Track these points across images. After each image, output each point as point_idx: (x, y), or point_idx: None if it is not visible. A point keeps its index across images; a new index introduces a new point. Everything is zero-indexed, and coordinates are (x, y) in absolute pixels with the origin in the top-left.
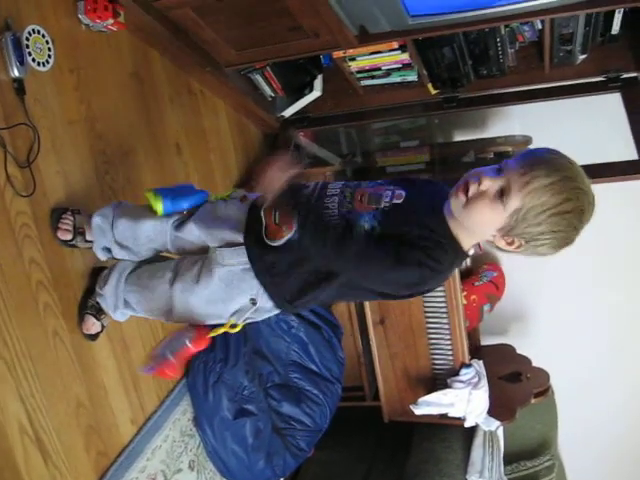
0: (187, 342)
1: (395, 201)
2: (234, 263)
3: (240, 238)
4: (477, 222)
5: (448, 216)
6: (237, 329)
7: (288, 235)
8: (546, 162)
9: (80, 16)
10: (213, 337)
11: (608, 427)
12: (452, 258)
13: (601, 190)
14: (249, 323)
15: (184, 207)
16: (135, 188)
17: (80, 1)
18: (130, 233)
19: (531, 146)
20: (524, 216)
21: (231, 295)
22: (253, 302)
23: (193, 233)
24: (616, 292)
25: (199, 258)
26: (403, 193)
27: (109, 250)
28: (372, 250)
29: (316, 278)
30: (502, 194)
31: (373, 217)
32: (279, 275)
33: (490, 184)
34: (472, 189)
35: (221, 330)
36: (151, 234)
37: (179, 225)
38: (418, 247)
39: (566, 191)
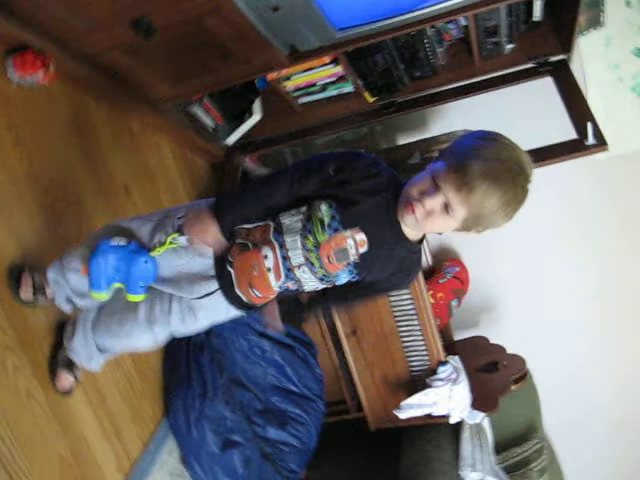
0: None
1: (361, 250)
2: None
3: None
4: (436, 231)
5: (401, 220)
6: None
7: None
8: (475, 158)
9: (10, 75)
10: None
11: (590, 400)
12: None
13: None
14: (222, 354)
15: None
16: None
17: (8, 59)
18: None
19: None
20: (475, 219)
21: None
22: None
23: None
24: (577, 265)
25: (168, 297)
26: (363, 236)
27: (71, 301)
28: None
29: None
30: (447, 207)
31: (350, 272)
32: None
33: (433, 203)
34: (418, 212)
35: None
36: None
37: None
38: (398, 274)
39: (505, 184)
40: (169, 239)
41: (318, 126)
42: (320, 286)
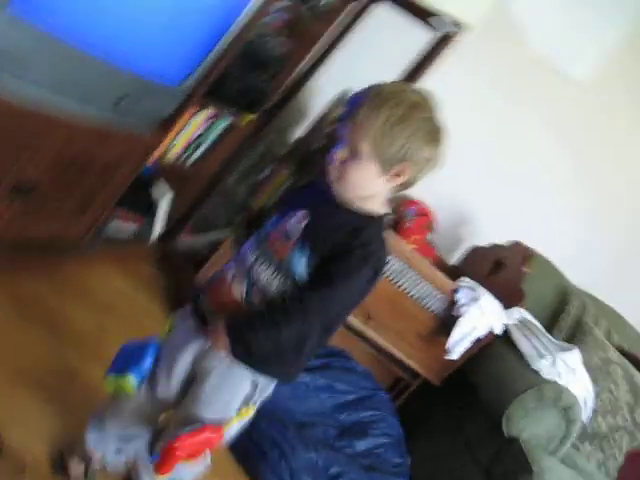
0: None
1: (304, 223)
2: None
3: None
4: (360, 186)
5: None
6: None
7: None
8: (365, 97)
9: None
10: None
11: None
12: (378, 229)
13: None
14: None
15: (148, 363)
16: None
17: None
18: (121, 425)
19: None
20: (378, 146)
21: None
22: (255, 384)
23: (167, 380)
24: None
25: None
26: (301, 212)
27: (120, 450)
28: (326, 291)
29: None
30: (354, 152)
31: (300, 250)
32: None
33: (341, 153)
34: (333, 169)
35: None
36: (136, 412)
37: (151, 383)
38: (352, 252)
39: (388, 100)
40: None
41: (219, 171)
42: (275, 280)
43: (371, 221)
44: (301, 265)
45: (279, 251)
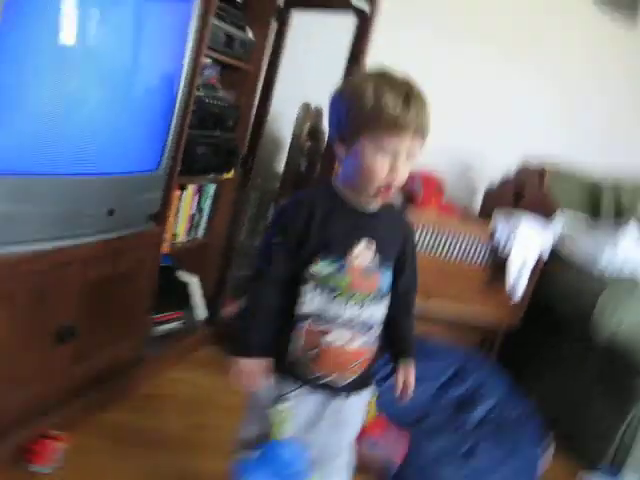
0: None
1: (373, 249)
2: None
3: None
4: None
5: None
6: None
7: None
8: (361, 97)
9: None
10: None
11: None
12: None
13: None
14: None
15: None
16: None
17: None
18: None
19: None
20: (418, 131)
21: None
22: None
23: None
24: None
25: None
26: (363, 242)
27: None
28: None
29: None
30: (410, 156)
31: (387, 270)
32: None
33: (405, 168)
34: (395, 186)
35: None
36: None
37: None
38: (410, 236)
39: (394, 83)
40: (275, 414)
41: (229, 234)
42: (383, 306)
43: (390, 204)
44: (388, 276)
45: (370, 286)
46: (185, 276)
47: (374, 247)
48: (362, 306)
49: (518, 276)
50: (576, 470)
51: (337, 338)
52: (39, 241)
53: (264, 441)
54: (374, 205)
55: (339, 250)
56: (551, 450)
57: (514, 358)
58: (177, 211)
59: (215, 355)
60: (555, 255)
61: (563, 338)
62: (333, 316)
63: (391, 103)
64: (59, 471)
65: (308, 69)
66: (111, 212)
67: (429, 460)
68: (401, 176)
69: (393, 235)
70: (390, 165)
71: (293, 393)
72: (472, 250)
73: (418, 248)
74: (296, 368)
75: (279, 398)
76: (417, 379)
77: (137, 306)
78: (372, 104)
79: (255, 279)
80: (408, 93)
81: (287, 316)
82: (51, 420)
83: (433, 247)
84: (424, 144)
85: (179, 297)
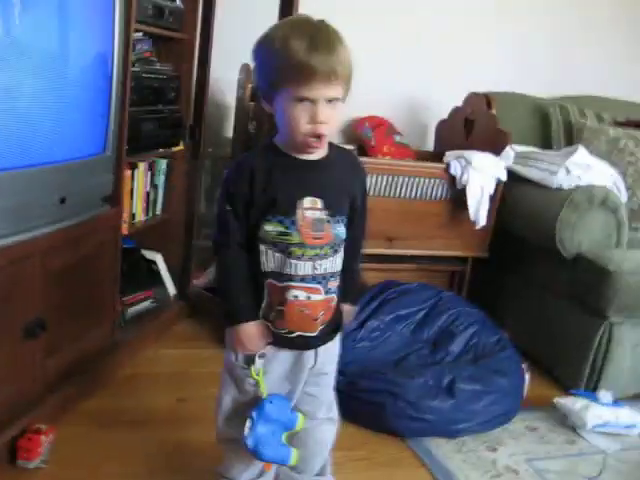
0: None
1: (319, 205)
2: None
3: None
4: (336, 127)
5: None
6: None
7: None
8: (291, 49)
9: None
10: None
11: None
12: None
13: None
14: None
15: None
16: None
17: None
18: None
19: None
20: (347, 79)
21: None
22: None
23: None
24: None
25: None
26: (308, 200)
27: None
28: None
29: None
30: (332, 101)
31: (339, 222)
32: None
33: (324, 112)
34: (323, 130)
35: None
36: None
37: None
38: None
39: (317, 33)
40: (254, 374)
41: (187, 207)
42: (338, 257)
43: (344, 150)
44: (341, 226)
45: (321, 241)
46: (150, 254)
47: (320, 203)
48: (316, 261)
49: (478, 205)
50: (553, 394)
51: (297, 294)
52: None
53: (242, 408)
54: (315, 156)
55: (285, 209)
56: (528, 376)
57: (485, 290)
58: (132, 191)
59: (191, 328)
60: (512, 181)
61: (530, 262)
62: (290, 273)
63: (295, 49)
64: (47, 465)
65: (243, 29)
66: (63, 200)
67: (414, 397)
68: (324, 124)
69: (343, 185)
70: (309, 114)
71: (264, 350)
72: (430, 187)
73: (376, 193)
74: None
75: (252, 358)
76: (394, 321)
77: (104, 291)
78: (279, 54)
79: (218, 250)
80: (313, 36)
81: (255, 276)
82: (33, 415)
83: (390, 190)
84: (348, 87)
85: (147, 277)
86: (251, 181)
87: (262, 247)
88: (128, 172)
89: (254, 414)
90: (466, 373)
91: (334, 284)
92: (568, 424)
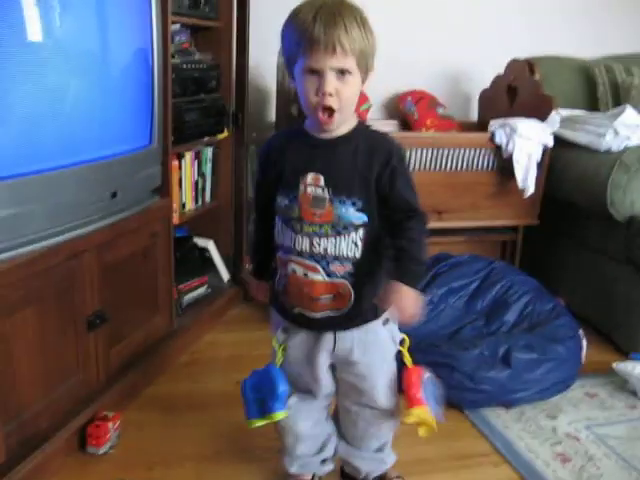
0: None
1: (321, 182)
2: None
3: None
4: (352, 102)
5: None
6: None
7: None
8: (312, 20)
9: None
10: None
11: None
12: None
13: None
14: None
15: (283, 389)
16: None
17: None
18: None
19: None
20: (362, 53)
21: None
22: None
23: (316, 383)
24: None
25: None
26: (310, 176)
27: (324, 460)
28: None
29: None
30: (342, 73)
31: (341, 201)
32: None
33: (331, 83)
34: (330, 102)
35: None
36: (309, 425)
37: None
38: (397, 168)
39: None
40: (274, 342)
41: (236, 191)
42: (344, 241)
43: (372, 132)
44: (351, 209)
45: (320, 220)
46: (202, 242)
47: (322, 181)
48: (314, 238)
49: (526, 172)
50: (612, 359)
51: (295, 269)
52: (50, 237)
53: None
54: (330, 134)
55: (290, 182)
56: (585, 343)
57: (538, 258)
58: (180, 181)
59: (246, 312)
60: (559, 146)
61: (582, 227)
62: (290, 246)
63: (302, 19)
64: (115, 450)
65: (278, 12)
66: (114, 194)
67: (470, 368)
68: (332, 96)
69: (356, 167)
70: (316, 85)
71: (284, 325)
72: (476, 158)
73: (422, 168)
74: (279, 299)
75: (277, 329)
76: (447, 293)
77: (160, 280)
78: (290, 26)
79: (253, 218)
80: (320, 8)
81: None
82: (100, 403)
83: (436, 164)
84: (365, 64)
85: (200, 264)
86: (270, 156)
87: (276, 219)
88: (175, 162)
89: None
90: (522, 342)
91: (341, 269)
92: (628, 389)
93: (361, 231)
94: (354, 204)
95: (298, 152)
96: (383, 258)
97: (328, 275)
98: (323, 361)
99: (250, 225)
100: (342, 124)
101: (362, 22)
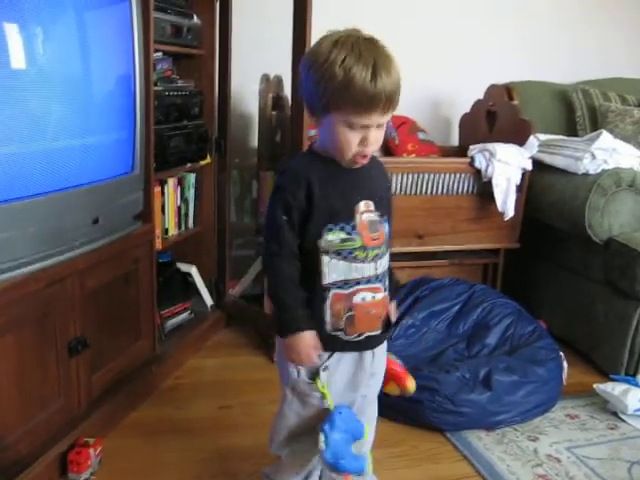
0: None
1: (372, 206)
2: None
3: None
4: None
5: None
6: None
7: None
8: (330, 73)
9: None
10: None
11: None
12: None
13: None
14: None
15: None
16: None
17: None
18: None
19: None
20: (388, 99)
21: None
22: None
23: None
24: None
25: None
26: (363, 203)
27: None
28: None
29: None
30: (381, 125)
31: (387, 222)
32: None
33: (374, 138)
34: (369, 154)
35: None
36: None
37: None
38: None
39: (360, 52)
40: (320, 387)
41: (219, 217)
42: (388, 256)
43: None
44: (389, 229)
45: (378, 241)
46: (185, 267)
47: (372, 204)
48: (377, 261)
49: (505, 196)
50: (593, 381)
51: (364, 296)
52: (31, 263)
53: (307, 422)
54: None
55: (345, 215)
56: (565, 364)
57: (519, 281)
58: (163, 206)
59: (229, 337)
60: (538, 170)
61: (562, 249)
62: (356, 277)
63: (358, 78)
64: (96, 476)
65: (260, 40)
66: (96, 220)
67: (451, 391)
68: (373, 146)
69: (381, 187)
70: (360, 139)
71: (327, 362)
72: (456, 182)
73: (403, 192)
74: (331, 338)
75: (316, 372)
76: (428, 317)
77: (143, 306)
78: (340, 80)
79: (271, 260)
80: (376, 64)
81: (312, 289)
82: (81, 429)
83: (417, 188)
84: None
85: (183, 289)
86: (309, 190)
87: (324, 258)
88: (158, 189)
89: (326, 427)
90: (502, 365)
91: (386, 283)
92: (609, 409)
93: (390, 245)
94: (387, 220)
95: (341, 183)
96: None
97: (385, 290)
98: (363, 382)
99: (276, 271)
100: None
101: (397, 67)
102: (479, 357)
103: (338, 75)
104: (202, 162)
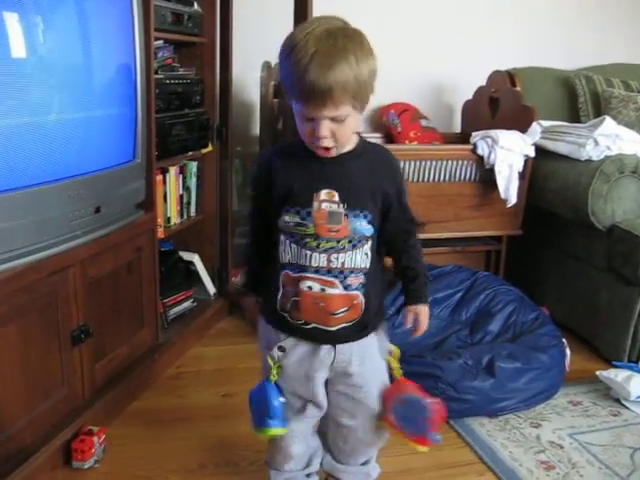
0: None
1: (336, 198)
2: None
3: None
4: (351, 136)
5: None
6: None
7: None
8: (306, 68)
9: None
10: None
11: None
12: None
13: None
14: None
15: (277, 405)
16: None
17: None
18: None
19: None
20: (357, 96)
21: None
22: None
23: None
24: None
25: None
26: (324, 192)
27: (309, 474)
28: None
29: None
30: (338, 118)
31: (355, 216)
32: None
33: (325, 129)
34: (325, 143)
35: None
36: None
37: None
38: (401, 183)
39: (330, 46)
40: (269, 358)
41: (221, 205)
42: (359, 253)
43: (376, 147)
44: (364, 223)
45: (337, 235)
46: (187, 255)
47: (337, 196)
48: (332, 254)
49: (507, 183)
50: (595, 367)
51: (311, 285)
52: (34, 252)
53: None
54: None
55: (301, 200)
56: (568, 351)
57: (521, 268)
58: (165, 195)
59: (232, 325)
60: (540, 156)
61: (565, 236)
62: (304, 264)
63: (296, 70)
64: (100, 464)
65: (261, 27)
66: (98, 210)
67: (453, 378)
68: (327, 140)
69: (365, 181)
70: (312, 130)
71: (283, 343)
72: (458, 169)
73: (405, 179)
74: (283, 316)
75: (272, 346)
76: (431, 304)
77: (145, 294)
78: (286, 70)
79: (248, 231)
80: (315, 56)
81: (274, 265)
82: (85, 417)
83: (419, 175)
84: (362, 98)
85: (186, 277)
86: (270, 172)
87: (282, 237)
88: (160, 177)
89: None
90: (505, 351)
91: (356, 281)
92: (612, 396)
93: (370, 242)
94: (365, 217)
95: (305, 169)
96: (381, 267)
97: (345, 288)
98: (321, 375)
99: (246, 238)
100: (343, 148)
101: (360, 56)
102: (482, 344)
103: (284, 66)
104: (204, 150)
